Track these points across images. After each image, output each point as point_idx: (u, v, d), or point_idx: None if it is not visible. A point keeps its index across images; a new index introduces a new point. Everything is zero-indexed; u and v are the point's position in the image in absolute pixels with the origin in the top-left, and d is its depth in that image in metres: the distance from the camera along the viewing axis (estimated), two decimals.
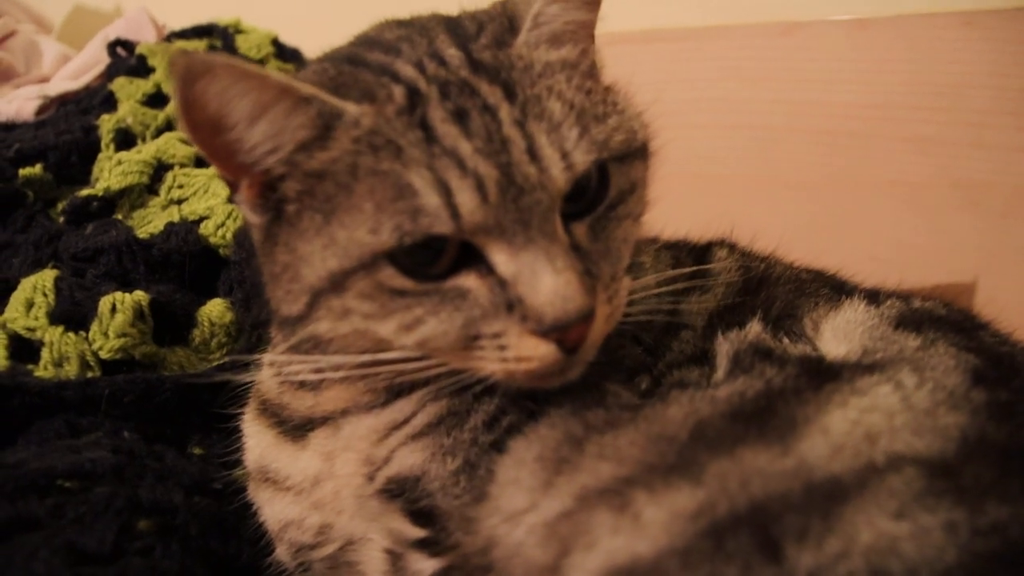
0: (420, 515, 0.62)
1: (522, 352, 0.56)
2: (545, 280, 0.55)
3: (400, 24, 0.67)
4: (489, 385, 0.62)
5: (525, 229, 0.56)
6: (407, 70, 0.59)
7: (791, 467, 0.47)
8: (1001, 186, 1.00)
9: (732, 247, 0.82)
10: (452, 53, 0.60)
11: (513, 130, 0.56)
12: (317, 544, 0.70)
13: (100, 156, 1.31)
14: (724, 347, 0.63)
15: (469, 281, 0.57)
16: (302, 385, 0.72)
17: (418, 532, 0.62)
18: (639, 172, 0.65)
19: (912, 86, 1.05)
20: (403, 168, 0.55)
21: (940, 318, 0.64)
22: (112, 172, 1.19)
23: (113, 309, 0.92)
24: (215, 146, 0.59)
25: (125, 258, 1.03)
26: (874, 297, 0.68)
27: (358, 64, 0.61)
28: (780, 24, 1.14)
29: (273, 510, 0.72)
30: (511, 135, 0.56)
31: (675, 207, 1.25)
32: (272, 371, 0.76)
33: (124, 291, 0.96)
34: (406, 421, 0.66)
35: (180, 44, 1.62)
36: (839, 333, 0.64)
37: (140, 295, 0.95)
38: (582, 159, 0.57)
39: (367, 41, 0.65)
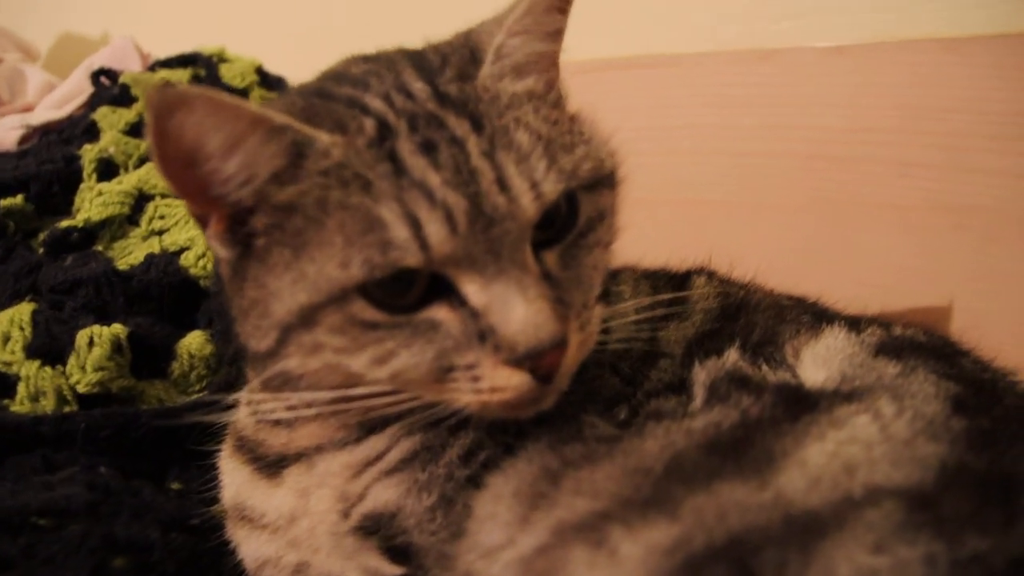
0: (396, 552, 0.61)
1: (496, 383, 0.56)
2: (517, 309, 0.55)
3: (366, 59, 0.67)
4: (464, 418, 0.61)
5: (496, 259, 0.56)
6: (376, 103, 0.59)
7: (769, 500, 0.46)
8: (985, 209, 1.00)
9: (711, 275, 0.82)
10: (419, 87, 0.60)
11: (481, 161, 0.56)
12: None
13: (82, 186, 1.30)
14: (701, 376, 0.63)
15: (441, 313, 0.57)
16: (277, 423, 0.71)
17: (394, 570, 0.61)
18: (608, 200, 0.65)
19: (892, 110, 1.06)
20: (372, 201, 0.55)
21: (920, 345, 0.64)
22: (93, 203, 1.18)
23: (91, 343, 0.91)
24: (187, 179, 0.58)
25: (104, 290, 1.02)
26: (855, 324, 0.68)
27: (328, 97, 0.61)
28: (758, 51, 1.14)
29: (250, 548, 0.71)
30: (479, 166, 0.56)
31: (656, 233, 1.26)
32: (248, 409, 0.75)
33: (102, 324, 0.95)
34: (380, 457, 0.65)
35: (164, 73, 1.61)
36: (819, 360, 0.63)
37: (118, 328, 0.94)
38: (551, 188, 0.58)
39: (335, 76, 0.66)
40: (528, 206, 0.57)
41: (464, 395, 0.57)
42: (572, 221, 0.61)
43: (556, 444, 0.58)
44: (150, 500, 0.82)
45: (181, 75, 1.59)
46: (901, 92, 1.05)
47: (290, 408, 0.65)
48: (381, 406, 0.61)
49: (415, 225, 0.54)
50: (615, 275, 0.79)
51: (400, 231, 0.54)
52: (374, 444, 0.65)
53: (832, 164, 1.10)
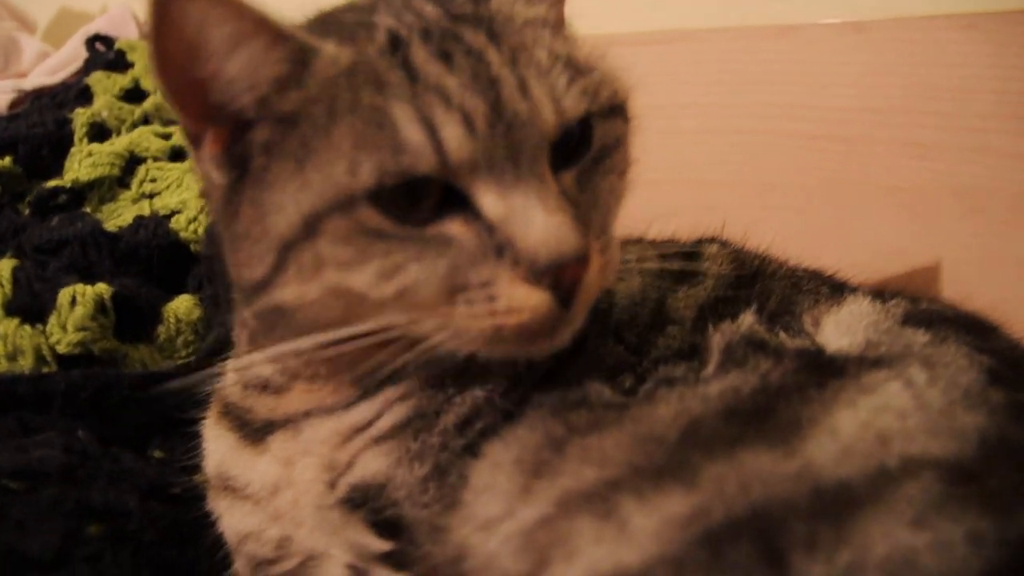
0: (385, 526, 0.57)
1: (513, 302, 0.51)
2: (537, 220, 0.51)
3: None
4: (463, 372, 0.58)
5: (515, 168, 0.52)
6: (386, 20, 0.56)
7: (796, 470, 0.42)
8: (1003, 193, 0.97)
9: (723, 243, 0.78)
10: (430, 9, 0.57)
11: (503, 70, 0.53)
12: (276, 559, 0.64)
13: (72, 150, 1.27)
14: (715, 339, 0.59)
15: (454, 228, 0.53)
16: (264, 387, 0.67)
17: (383, 545, 0.57)
18: (621, 128, 0.62)
19: (911, 90, 1.02)
20: (384, 102, 0.52)
21: (949, 318, 0.60)
22: (82, 163, 1.15)
23: (73, 301, 0.88)
24: (185, 82, 0.54)
25: (90, 250, 0.99)
26: (879, 295, 0.64)
27: (334, 20, 0.58)
28: (773, 27, 1.11)
29: (232, 520, 0.67)
30: (500, 73, 0.53)
31: (663, 213, 1.22)
32: (235, 376, 0.71)
33: (87, 284, 0.91)
34: (370, 423, 0.61)
35: None
36: (841, 326, 0.59)
37: (102, 287, 0.90)
38: (572, 105, 0.55)
39: (341, 7, 0.62)
40: (549, 117, 0.53)
41: (476, 320, 0.52)
42: (586, 145, 0.58)
43: (560, 411, 0.54)
44: (129, 466, 0.78)
45: None
46: (918, 71, 1.02)
47: (281, 360, 0.62)
48: (380, 349, 0.56)
49: (430, 128, 0.51)
50: (621, 244, 0.76)
51: (414, 133, 0.51)
52: (365, 410, 0.61)
53: (844, 145, 1.07)
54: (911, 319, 0.58)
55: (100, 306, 0.89)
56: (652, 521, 0.42)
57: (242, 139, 0.57)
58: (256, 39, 0.53)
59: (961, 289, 1.00)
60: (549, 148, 0.55)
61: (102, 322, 0.89)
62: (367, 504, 0.58)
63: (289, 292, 0.56)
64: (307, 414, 0.64)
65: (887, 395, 0.47)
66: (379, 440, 0.60)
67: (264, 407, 0.67)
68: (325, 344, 0.56)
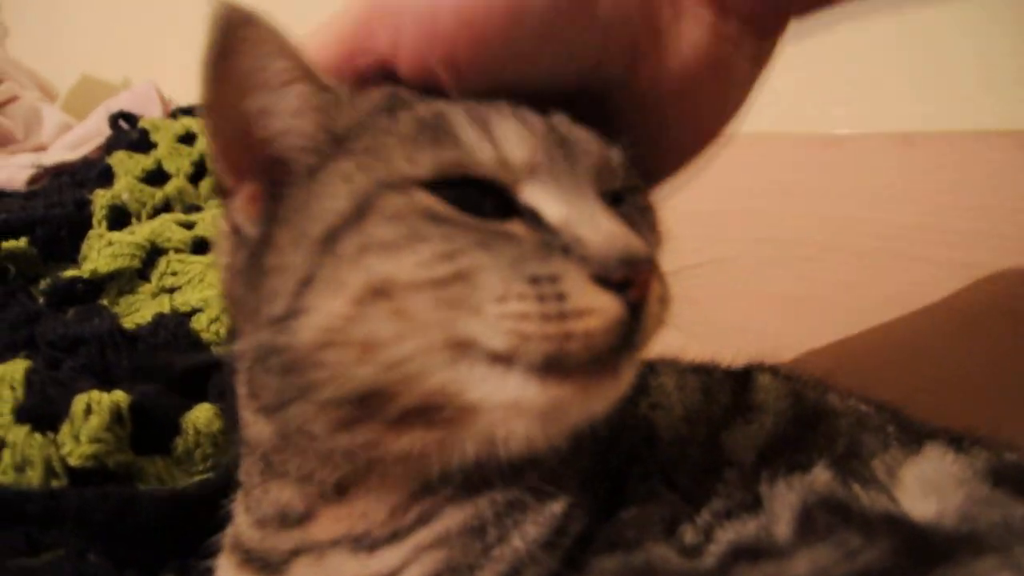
0: None
1: (583, 302, 0.47)
2: (603, 223, 0.50)
3: None
4: (498, 533, 0.53)
5: (574, 178, 0.52)
6: None
7: None
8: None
9: (775, 371, 0.73)
10: None
11: (551, 110, 0.56)
12: None
13: (91, 233, 1.24)
14: (787, 496, 0.53)
15: (515, 227, 0.50)
16: (283, 521, 0.61)
17: None
18: (649, 200, 0.63)
19: (959, 208, 1.00)
20: (442, 109, 0.53)
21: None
22: (101, 253, 1.11)
23: (88, 410, 0.82)
24: (233, 115, 0.53)
25: (108, 351, 0.94)
26: (957, 442, 0.59)
27: None
28: (823, 136, 1.09)
29: None
30: (551, 112, 0.56)
31: (697, 327, 1.17)
32: (247, 516, 0.65)
33: (103, 388, 0.86)
34: (395, 574, 0.54)
35: (186, 120, 1.56)
36: (927, 485, 0.54)
37: (120, 396, 0.85)
38: (615, 157, 0.57)
39: None
40: (597, 150, 0.55)
41: (542, 322, 0.47)
42: (620, 202, 0.58)
43: None
44: None
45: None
46: (971, 188, 0.99)
47: (299, 463, 0.58)
48: (411, 430, 0.51)
49: (486, 130, 0.52)
50: (652, 367, 0.70)
51: (471, 134, 0.51)
52: (390, 557, 0.54)
53: (893, 261, 1.03)
54: (1001, 479, 0.53)
55: (117, 416, 0.84)
56: None
57: (280, 190, 0.55)
58: (305, 83, 0.54)
59: (1018, 415, 0.96)
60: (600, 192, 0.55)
61: (118, 433, 0.84)
62: None
63: (314, 314, 0.50)
64: (334, 542, 0.57)
65: None
66: None
67: (286, 542, 0.60)
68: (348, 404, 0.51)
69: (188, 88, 1.86)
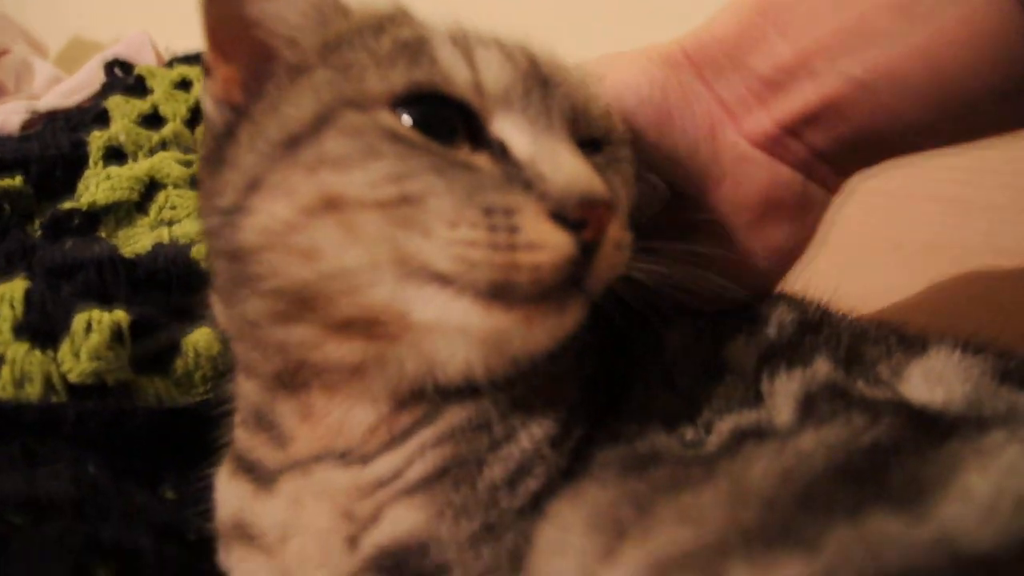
0: None
1: (536, 235, 0.47)
2: (566, 162, 0.51)
3: None
4: (504, 431, 0.54)
5: (548, 117, 0.53)
6: None
7: (931, 537, 0.38)
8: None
9: (782, 295, 0.75)
10: None
11: (538, 51, 0.58)
12: None
13: (87, 172, 1.23)
14: (788, 386, 0.55)
15: (480, 160, 0.51)
16: (260, 423, 0.63)
17: None
18: (628, 153, 0.65)
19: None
20: (427, 33, 0.54)
21: None
22: (99, 186, 1.11)
23: (88, 328, 0.83)
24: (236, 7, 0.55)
25: (107, 275, 0.94)
26: (964, 345, 0.60)
27: None
28: None
29: (243, 572, 0.61)
30: (537, 50, 0.57)
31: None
32: (237, 416, 0.68)
33: (103, 309, 0.86)
34: (396, 475, 0.55)
35: (182, 68, 1.56)
36: (932, 377, 0.55)
37: (120, 314, 0.85)
38: (595, 107, 0.59)
39: None
40: (578, 95, 0.57)
41: (490, 250, 0.47)
42: (598, 149, 0.60)
43: (634, 467, 0.50)
44: (143, 505, 0.73)
45: (200, 72, 1.53)
46: None
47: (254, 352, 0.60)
48: (345, 338, 0.53)
49: (468, 56, 0.52)
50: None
51: (450, 55, 0.52)
52: (390, 460, 0.55)
53: (889, 199, 1.05)
54: (1007, 377, 0.55)
55: (117, 334, 0.84)
56: None
57: (262, 73, 0.56)
58: None
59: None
60: (574, 136, 0.55)
61: (118, 351, 0.84)
62: (404, 572, 0.52)
63: (257, 215, 0.51)
64: (318, 459, 0.58)
65: (1012, 457, 0.43)
66: (411, 491, 0.54)
67: (273, 458, 0.62)
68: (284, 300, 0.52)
69: (180, 38, 1.86)
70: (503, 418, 0.55)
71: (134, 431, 0.80)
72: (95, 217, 1.11)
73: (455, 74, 0.51)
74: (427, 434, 0.56)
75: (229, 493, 0.64)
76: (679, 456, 0.51)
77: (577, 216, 0.48)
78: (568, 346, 0.55)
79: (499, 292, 0.48)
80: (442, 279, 0.48)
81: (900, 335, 0.66)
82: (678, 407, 0.58)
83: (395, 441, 0.56)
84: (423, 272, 0.48)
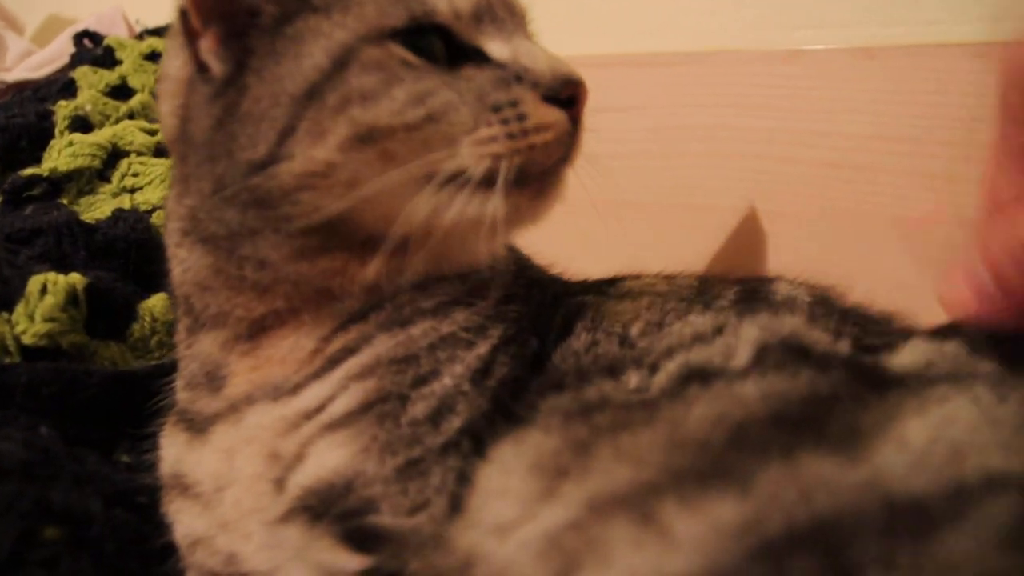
0: (359, 535, 0.51)
1: (540, 117, 0.56)
2: (540, 54, 0.58)
3: None
4: (430, 365, 0.55)
5: (511, 22, 0.60)
6: None
7: (864, 480, 0.38)
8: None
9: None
10: None
11: None
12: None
13: (52, 142, 1.22)
14: (749, 331, 0.54)
15: (470, 71, 0.57)
16: (207, 378, 0.63)
17: (358, 561, 0.51)
18: None
19: (920, 119, 1.01)
20: None
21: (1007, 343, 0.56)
22: (62, 153, 1.10)
23: (44, 290, 0.82)
24: None
25: (65, 241, 0.93)
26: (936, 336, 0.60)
27: None
28: (783, 51, 1.09)
29: (182, 524, 0.61)
30: None
31: (661, 239, 1.19)
32: (180, 378, 0.68)
33: (60, 272, 0.86)
34: (320, 408, 0.56)
35: (152, 40, 1.54)
36: (901, 353, 0.55)
37: (76, 277, 0.85)
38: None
39: None
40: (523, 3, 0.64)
41: (511, 141, 0.55)
42: None
43: (579, 413, 0.50)
44: (94, 469, 0.72)
45: None
46: (928, 99, 1.00)
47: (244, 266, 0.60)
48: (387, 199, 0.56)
49: None
50: (613, 281, 0.71)
51: None
52: (316, 391, 0.56)
53: (854, 172, 1.05)
54: (976, 351, 0.54)
55: (72, 297, 0.83)
56: (699, 528, 0.38)
57: (247, 40, 0.58)
58: None
59: None
60: None
61: (72, 314, 0.83)
62: (331, 511, 0.52)
63: (297, 160, 0.55)
64: (250, 398, 0.59)
65: (954, 408, 0.43)
66: (335, 426, 0.54)
67: (210, 406, 0.62)
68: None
69: (153, 13, 1.84)
70: (430, 351, 0.56)
71: (89, 395, 0.79)
72: (57, 184, 1.09)
73: (439, 4, 0.57)
74: (353, 363, 0.57)
75: (168, 445, 0.65)
76: (624, 401, 0.51)
77: (568, 94, 0.57)
78: (492, 283, 0.62)
79: (522, 176, 0.56)
80: (475, 180, 0.54)
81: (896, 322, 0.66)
82: (625, 350, 0.58)
83: (323, 371, 0.57)
84: (458, 179, 0.54)
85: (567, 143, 0.57)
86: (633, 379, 0.53)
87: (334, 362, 0.57)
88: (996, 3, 0.97)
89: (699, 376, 0.50)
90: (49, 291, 0.81)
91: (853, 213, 1.05)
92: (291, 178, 0.55)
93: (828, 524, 0.36)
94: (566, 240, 1.25)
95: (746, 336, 0.53)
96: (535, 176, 0.57)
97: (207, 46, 0.58)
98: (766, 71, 1.11)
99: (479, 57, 0.58)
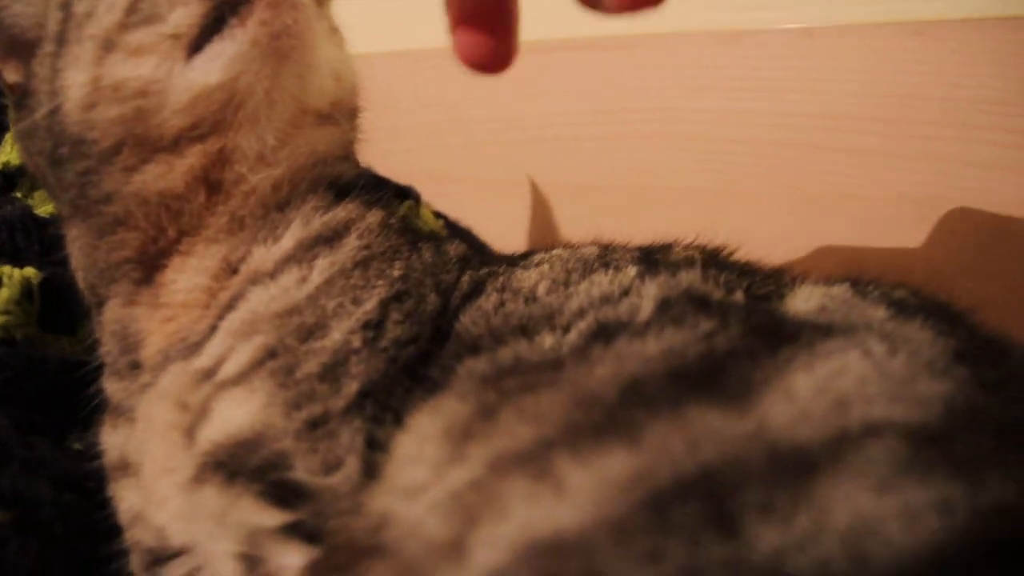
0: (278, 491, 0.53)
1: None
2: None
3: None
4: (321, 318, 0.58)
5: None
6: None
7: (750, 430, 0.40)
8: (948, 201, 0.98)
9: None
10: None
11: None
12: (161, 552, 0.60)
13: (7, 137, 1.22)
14: (650, 289, 0.56)
15: None
16: (122, 352, 0.68)
17: (280, 516, 0.52)
18: None
19: (859, 97, 1.03)
20: None
21: (912, 302, 0.58)
22: (14, 148, 1.10)
23: None
24: None
25: (19, 235, 0.94)
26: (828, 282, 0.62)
27: None
28: (725, 32, 1.11)
29: (123, 499, 0.64)
30: None
31: (609, 221, 1.20)
32: (107, 371, 0.71)
33: (14, 266, 0.87)
34: (216, 366, 0.58)
35: None
36: (798, 298, 0.57)
37: (31, 272, 0.86)
38: None
39: None
40: None
41: None
42: None
43: (492, 378, 0.52)
44: (44, 456, 0.74)
45: None
46: (869, 79, 1.03)
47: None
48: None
49: None
50: (526, 255, 0.73)
51: None
52: (210, 351, 0.60)
53: (796, 150, 1.07)
54: (870, 296, 0.56)
55: (27, 291, 0.85)
56: (591, 481, 0.40)
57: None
58: None
59: None
60: None
61: (27, 308, 0.85)
62: (246, 466, 0.53)
63: (70, 91, 0.64)
64: (166, 359, 0.63)
65: (844, 361, 0.45)
66: (229, 384, 0.57)
67: (134, 388, 0.66)
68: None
69: None
70: (311, 302, 0.58)
71: (44, 381, 0.81)
72: (11, 179, 1.10)
73: None
74: (231, 320, 0.60)
75: (112, 439, 0.67)
76: (537, 363, 0.52)
77: None
78: (347, 227, 0.65)
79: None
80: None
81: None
82: (531, 306, 0.60)
83: (215, 328, 0.61)
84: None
85: None
86: (547, 340, 0.55)
87: (219, 317, 0.61)
88: None
89: (604, 334, 0.52)
90: (5, 284, 0.83)
91: (795, 190, 1.08)
92: (75, 111, 0.64)
93: (713, 473, 0.38)
94: (512, 222, 1.27)
95: (648, 293, 0.55)
96: None
97: (8, 71, 0.70)
98: (711, 52, 1.12)
99: None
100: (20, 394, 0.78)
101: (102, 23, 0.63)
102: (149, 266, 0.66)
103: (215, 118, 0.63)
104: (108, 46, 0.62)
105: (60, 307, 0.89)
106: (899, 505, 0.34)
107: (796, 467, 0.38)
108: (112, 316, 0.69)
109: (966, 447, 0.38)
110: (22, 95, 0.70)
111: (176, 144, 0.63)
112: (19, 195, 1.08)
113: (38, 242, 0.94)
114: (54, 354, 0.84)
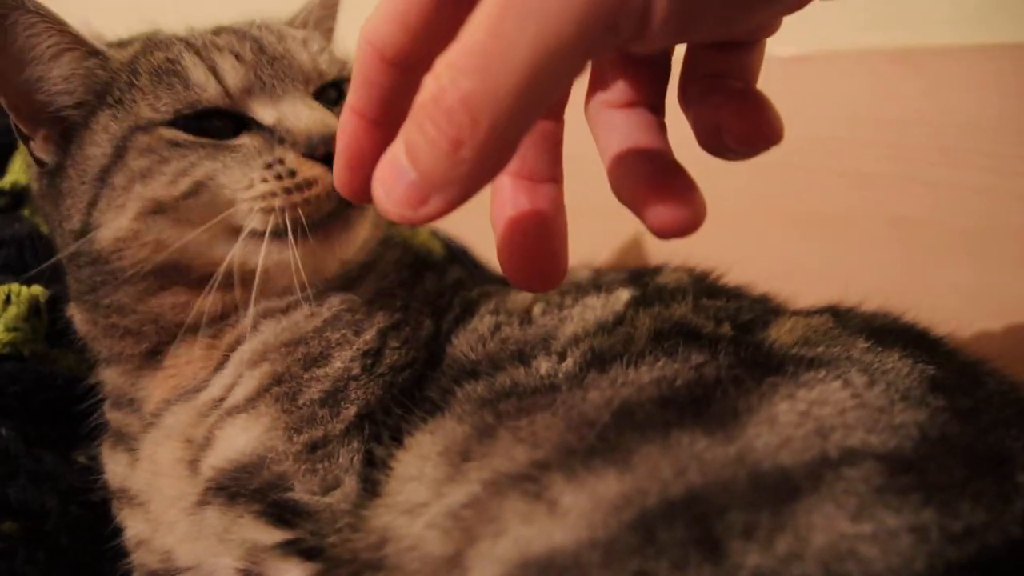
0: (278, 510, 0.56)
1: (305, 173, 0.62)
2: (303, 112, 0.65)
3: None
4: (324, 347, 0.62)
5: (281, 89, 0.66)
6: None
7: (734, 455, 0.42)
8: (935, 223, 1.00)
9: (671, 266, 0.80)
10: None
11: (262, 32, 0.71)
12: (165, 574, 0.63)
13: (16, 154, 1.24)
14: (644, 322, 0.59)
15: (243, 139, 0.64)
16: (129, 405, 0.71)
17: (278, 534, 0.55)
18: None
19: (849, 121, 1.05)
20: (175, 55, 0.66)
21: (893, 330, 0.61)
22: (22, 167, 1.12)
23: (8, 300, 0.85)
24: (17, 82, 0.66)
25: (27, 253, 0.96)
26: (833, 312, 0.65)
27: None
28: None
29: (129, 526, 0.68)
30: (261, 34, 0.70)
31: (611, 241, 1.22)
32: (107, 401, 0.75)
33: (22, 284, 0.89)
34: (225, 396, 0.63)
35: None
36: (781, 329, 0.60)
37: (38, 290, 0.88)
38: (325, 61, 0.71)
39: None
40: (305, 58, 0.69)
41: (279, 196, 0.62)
42: (341, 87, 0.73)
43: (490, 401, 0.54)
44: (51, 468, 0.76)
45: None
46: (858, 104, 1.05)
47: (106, 317, 0.70)
48: (187, 261, 0.65)
49: (212, 68, 0.65)
50: None
51: (200, 74, 0.65)
52: (218, 382, 0.64)
53: (784, 173, 1.09)
54: (851, 326, 0.59)
55: (35, 308, 0.87)
56: (583, 502, 0.42)
57: (65, 131, 0.68)
58: (75, 51, 0.66)
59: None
60: (311, 89, 0.69)
61: (35, 324, 0.86)
62: (247, 488, 0.57)
63: (105, 228, 0.65)
64: (168, 404, 0.67)
65: (825, 391, 0.47)
66: (236, 411, 0.61)
67: (136, 424, 0.70)
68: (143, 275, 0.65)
69: (117, 30, 1.86)
70: (317, 334, 0.63)
71: (51, 395, 0.83)
72: (19, 197, 1.12)
73: (206, 90, 0.65)
74: (243, 351, 0.64)
75: (113, 464, 0.71)
76: (533, 388, 0.55)
77: (323, 151, 0.62)
78: (369, 270, 0.69)
79: (311, 224, 0.63)
80: (268, 231, 0.62)
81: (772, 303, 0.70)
82: (526, 329, 0.62)
83: (223, 362, 0.66)
84: (247, 232, 0.63)
85: (336, 195, 0.60)
86: (543, 365, 0.57)
87: (231, 350, 0.65)
88: (917, 13, 1.03)
89: (599, 361, 0.54)
90: (13, 301, 0.85)
91: (782, 212, 1.10)
92: (106, 242, 0.65)
93: (699, 496, 0.40)
94: None
95: (642, 324, 0.58)
96: (319, 223, 0.64)
97: (38, 145, 0.69)
98: None
99: (254, 124, 0.66)
100: (28, 408, 0.80)
101: (157, 192, 0.64)
102: (152, 354, 0.70)
103: (245, 280, 0.65)
104: (159, 210, 0.64)
105: (67, 324, 0.91)
106: (876, 529, 0.37)
107: (778, 491, 0.40)
108: (111, 379, 0.73)
109: (940, 473, 0.40)
110: (47, 171, 0.72)
111: (200, 283, 0.66)
112: (27, 213, 1.10)
113: (45, 259, 0.96)
114: (61, 370, 0.86)
